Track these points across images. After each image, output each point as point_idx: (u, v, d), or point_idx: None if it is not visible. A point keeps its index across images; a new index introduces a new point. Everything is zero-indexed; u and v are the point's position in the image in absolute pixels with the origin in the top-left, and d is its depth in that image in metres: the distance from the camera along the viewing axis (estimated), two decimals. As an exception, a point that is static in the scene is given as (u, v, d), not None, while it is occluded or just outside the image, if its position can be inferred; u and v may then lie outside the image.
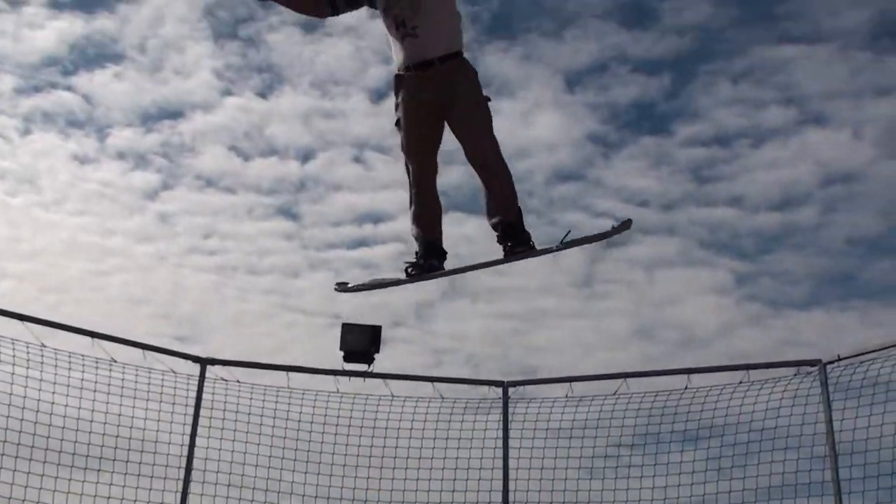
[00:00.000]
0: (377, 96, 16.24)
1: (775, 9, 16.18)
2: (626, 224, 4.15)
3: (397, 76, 4.33)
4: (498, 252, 4.37)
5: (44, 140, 16.95)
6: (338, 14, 4.50)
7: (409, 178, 4.39)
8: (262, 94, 17.17)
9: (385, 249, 15.94)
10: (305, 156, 16.98)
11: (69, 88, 16.90)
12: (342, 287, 4.55)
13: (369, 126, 16.71)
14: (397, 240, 15.98)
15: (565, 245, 4.19)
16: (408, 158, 4.37)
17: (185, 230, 16.77)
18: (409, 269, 4.39)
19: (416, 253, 4.42)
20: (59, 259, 16.70)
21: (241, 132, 17.07)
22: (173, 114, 17.52)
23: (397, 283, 4.45)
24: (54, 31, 16.88)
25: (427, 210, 4.40)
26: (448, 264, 4.49)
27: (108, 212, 16.92)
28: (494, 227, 4.31)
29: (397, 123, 4.37)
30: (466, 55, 4.32)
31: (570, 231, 4.18)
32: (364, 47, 16.47)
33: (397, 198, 16.53)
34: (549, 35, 17.09)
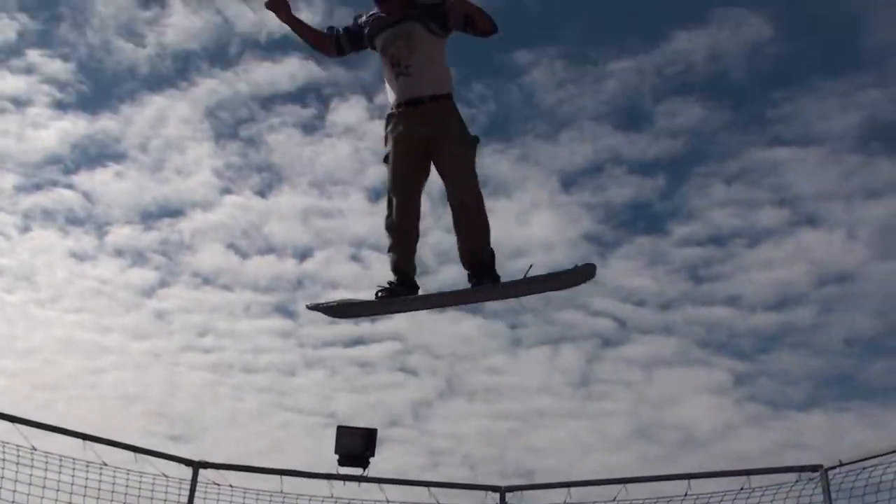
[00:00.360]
0: (375, 196, 16.46)
1: (766, 112, 16.69)
2: (589, 267, 4.22)
3: (389, 114, 4.57)
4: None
5: (43, 237, 17.14)
6: (343, 55, 4.84)
7: (390, 210, 4.55)
8: (261, 193, 17.41)
9: (381, 348, 15.90)
10: (303, 254, 17.07)
11: (70, 186, 17.13)
12: (314, 306, 4.64)
13: (367, 225, 16.85)
14: (394, 338, 15.95)
15: (529, 282, 4.25)
16: (393, 192, 4.54)
17: (182, 327, 16.79)
18: (380, 293, 4.49)
19: (389, 281, 4.54)
20: (54, 356, 16.59)
21: (239, 230, 17.25)
22: (173, 212, 17.64)
23: (367, 305, 4.56)
24: (57, 131, 17.31)
25: (405, 243, 4.55)
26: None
27: (104, 309, 16.96)
28: (466, 264, 4.44)
29: (385, 159, 4.58)
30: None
31: (532, 265, 4.25)
32: (363, 148, 16.87)
33: None
34: (545, 137, 17.52)
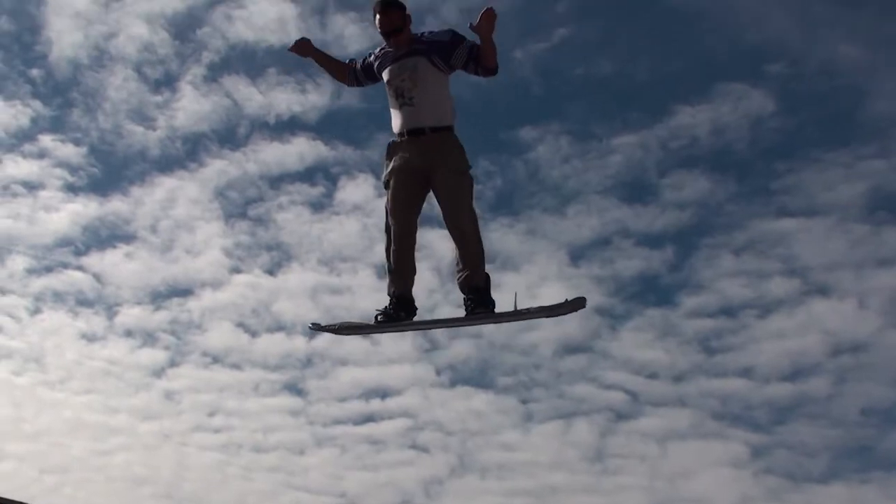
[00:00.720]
0: (383, 272, 16.57)
1: (771, 184, 17.14)
2: (579, 300, 4.50)
3: (391, 142, 4.84)
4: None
5: (52, 319, 17.53)
6: (361, 86, 5.14)
7: (387, 236, 4.80)
8: (271, 272, 17.72)
9: (393, 425, 16.15)
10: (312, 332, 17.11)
11: (80, 268, 17.56)
12: (316, 327, 4.91)
13: (376, 301, 16.74)
14: (405, 414, 16.25)
15: (521, 313, 4.53)
16: (391, 217, 4.79)
17: (191, 407, 16.95)
18: (379, 317, 4.74)
19: (387, 305, 4.78)
20: (62, 438, 16.71)
21: (248, 309, 17.54)
22: (182, 292, 17.85)
23: (367, 327, 4.81)
24: (69, 214, 17.85)
25: (402, 267, 4.78)
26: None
27: (113, 390, 17.13)
28: (462, 288, 4.68)
29: (386, 185, 4.82)
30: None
31: (516, 293, 4.56)
32: (371, 225, 17.22)
33: (405, 372, 16.81)
34: (552, 211, 17.86)
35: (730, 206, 17.31)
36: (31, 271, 17.59)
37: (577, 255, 17.55)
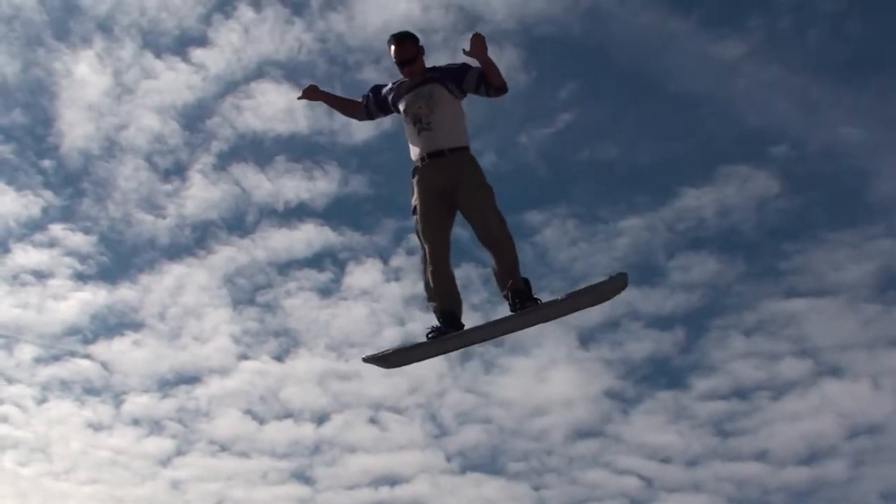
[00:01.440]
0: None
1: (779, 264, 16.71)
2: (621, 278, 4.60)
3: (414, 168, 4.98)
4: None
5: (59, 408, 17.14)
6: (372, 119, 5.32)
7: (424, 256, 4.89)
8: (279, 358, 17.35)
9: None
10: (320, 418, 16.96)
11: (88, 357, 17.25)
12: (369, 359, 4.99)
13: (384, 387, 17.01)
14: (415, 503, 15.72)
15: (569, 299, 4.60)
16: (423, 239, 4.90)
17: (198, 497, 16.44)
18: (430, 334, 4.81)
19: (435, 326, 4.84)
20: None
21: (256, 396, 17.12)
22: (190, 379, 17.39)
23: (420, 349, 4.85)
24: (77, 302, 17.61)
25: (442, 284, 4.87)
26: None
27: (119, 479, 16.65)
28: (505, 296, 4.76)
29: (414, 210, 4.95)
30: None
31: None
32: (379, 310, 17.08)
33: (414, 459, 16.40)
34: (559, 293, 17.28)
35: (739, 287, 16.97)
36: (38, 360, 17.44)
37: (587, 337, 17.14)
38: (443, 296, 4.87)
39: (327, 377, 17.21)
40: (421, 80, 4.97)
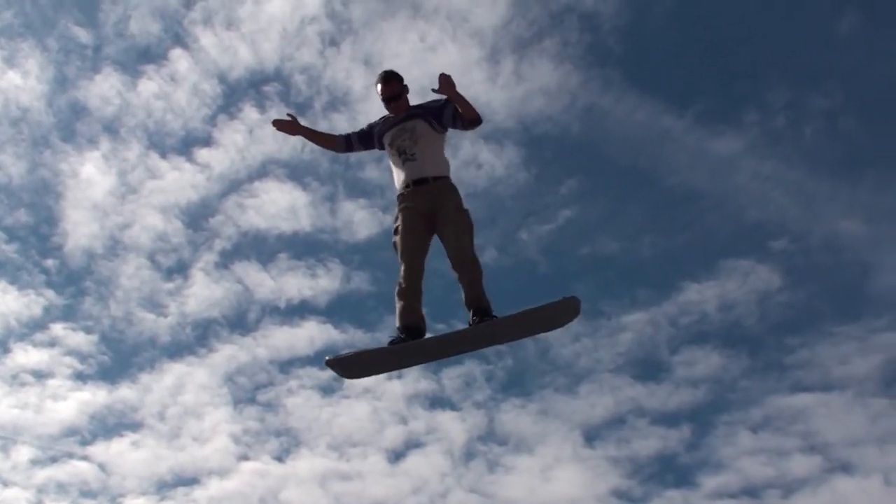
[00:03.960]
0: (394, 457, 16.79)
1: (784, 359, 17.02)
2: (571, 299, 4.83)
3: (399, 195, 5.34)
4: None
5: None
6: (351, 151, 5.64)
7: (400, 271, 5.18)
8: (279, 458, 17.39)
9: None
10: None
11: (85, 458, 17.29)
12: (331, 360, 5.12)
13: (386, 486, 17.13)
14: None
15: (524, 314, 4.86)
16: (401, 258, 5.24)
17: None
18: (393, 341, 5.08)
19: (399, 333, 5.13)
20: None
21: (256, 497, 17.16)
22: (188, 481, 17.38)
23: (381, 355, 5.07)
24: (76, 402, 17.79)
25: (412, 302, 5.18)
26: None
27: None
28: (469, 308, 5.08)
29: (395, 231, 5.30)
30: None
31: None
32: (381, 408, 17.42)
33: None
34: (564, 390, 17.63)
35: (744, 382, 17.14)
36: (35, 462, 17.29)
37: (592, 435, 17.28)
38: (409, 311, 5.15)
39: (329, 477, 17.08)
40: (405, 115, 5.41)
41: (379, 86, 5.41)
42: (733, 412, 16.80)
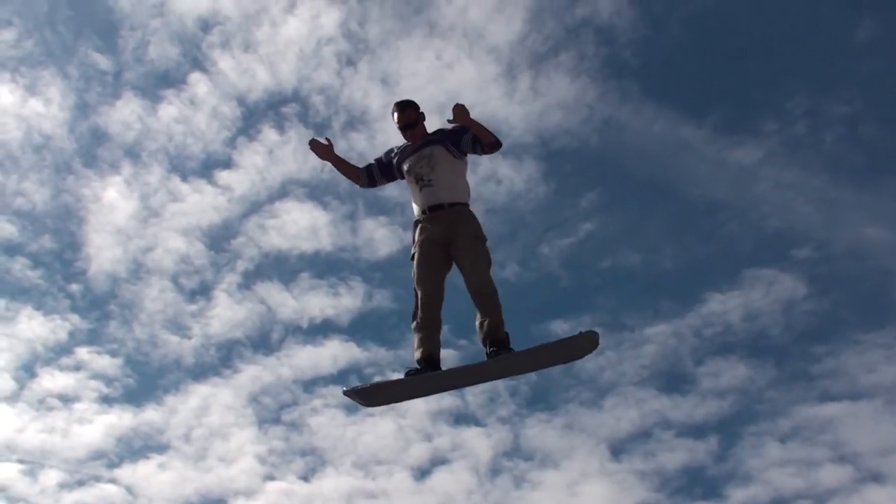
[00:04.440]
0: (420, 474, 16.56)
1: (811, 368, 16.69)
2: (591, 333, 4.77)
3: (415, 221, 5.30)
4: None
5: None
6: (374, 185, 5.60)
7: (416, 301, 5.15)
8: (305, 477, 17.13)
9: None
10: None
11: (113, 481, 17.14)
12: (349, 391, 5.13)
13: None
14: None
15: (543, 348, 4.79)
16: (417, 286, 5.17)
17: None
18: (409, 373, 5.04)
19: (416, 364, 5.09)
20: None
21: None
22: (215, 502, 17.30)
23: (400, 386, 5.03)
24: (103, 426, 17.73)
25: (429, 331, 5.12)
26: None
27: None
28: (485, 342, 5.00)
29: (412, 258, 5.24)
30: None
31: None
32: (405, 426, 17.09)
33: None
34: (590, 404, 17.27)
35: (771, 393, 16.84)
36: (63, 486, 17.14)
37: (618, 448, 16.95)
38: (426, 341, 5.10)
39: (355, 496, 16.85)
40: (422, 142, 5.36)
41: (395, 114, 5.41)
42: (760, 423, 16.57)
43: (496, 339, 4.97)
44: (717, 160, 18.49)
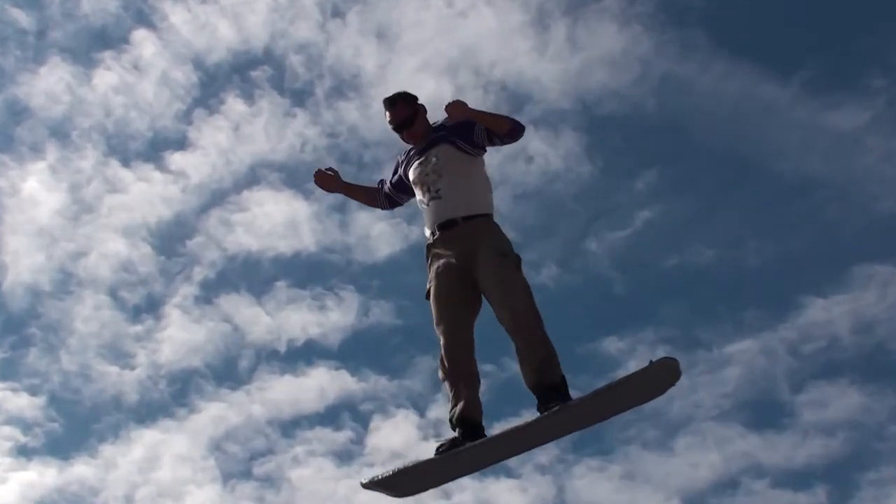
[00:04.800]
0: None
1: None
2: (669, 360, 3.75)
3: (427, 246, 4.43)
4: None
5: None
6: (398, 205, 4.85)
7: (441, 356, 4.23)
8: None
9: None
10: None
11: None
12: (369, 483, 4.30)
13: None
14: None
15: (609, 389, 3.80)
16: (439, 329, 4.24)
17: None
18: (440, 448, 4.08)
19: (450, 425, 4.18)
20: None
21: None
22: None
23: (430, 468, 4.12)
24: (19, 485, 14.63)
25: (460, 388, 4.17)
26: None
27: None
28: (533, 390, 4.03)
29: (427, 295, 4.35)
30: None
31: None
32: None
33: None
34: (656, 446, 14.26)
35: (894, 427, 13.73)
36: None
37: (696, 502, 14.08)
38: (458, 396, 4.17)
39: None
40: (426, 143, 4.53)
41: (386, 113, 4.62)
42: (882, 467, 13.46)
43: (548, 386, 3.97)
44: (811, 126, 15.34)
